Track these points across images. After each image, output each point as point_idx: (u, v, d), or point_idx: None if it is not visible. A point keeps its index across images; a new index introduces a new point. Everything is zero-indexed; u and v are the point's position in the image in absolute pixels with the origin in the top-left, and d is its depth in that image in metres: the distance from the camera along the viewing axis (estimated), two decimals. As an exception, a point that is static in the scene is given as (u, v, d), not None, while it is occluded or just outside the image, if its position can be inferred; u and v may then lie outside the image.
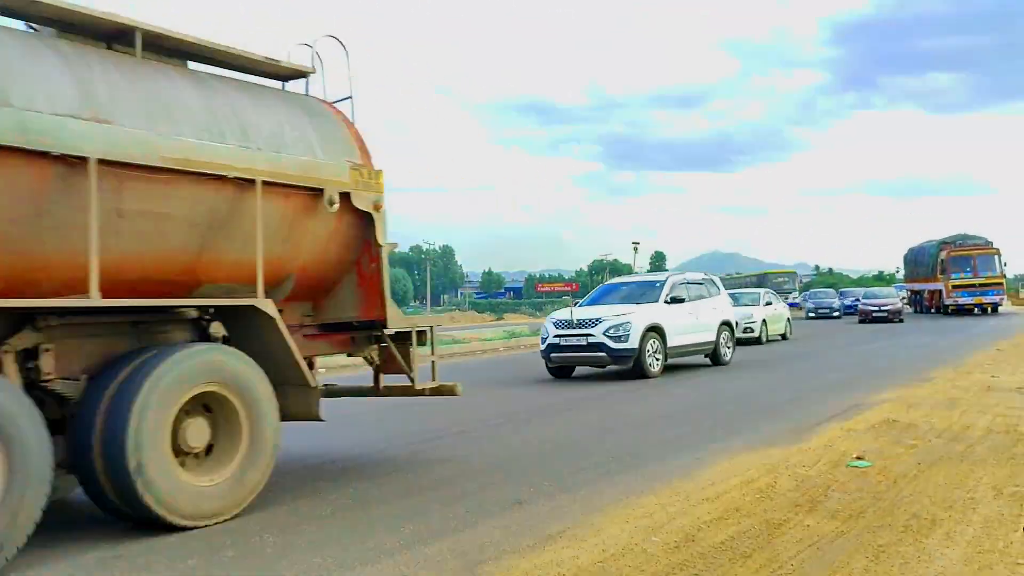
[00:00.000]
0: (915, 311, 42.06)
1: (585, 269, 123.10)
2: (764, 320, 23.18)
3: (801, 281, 71.71)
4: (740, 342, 18.77)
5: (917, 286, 42.87)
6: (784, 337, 24.57)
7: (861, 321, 32.13)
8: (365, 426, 9.64)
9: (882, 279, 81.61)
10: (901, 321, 31.17)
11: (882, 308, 31.97)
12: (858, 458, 6.68)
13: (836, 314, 39.83)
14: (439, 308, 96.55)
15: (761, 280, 55.06)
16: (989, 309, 36.50)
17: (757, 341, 22.57)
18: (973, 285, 36.12)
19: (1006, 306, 40.24)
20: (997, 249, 37.05)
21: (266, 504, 5.77)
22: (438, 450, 7.83)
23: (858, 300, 43.55)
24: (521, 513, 5.41)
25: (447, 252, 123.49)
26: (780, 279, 55.90)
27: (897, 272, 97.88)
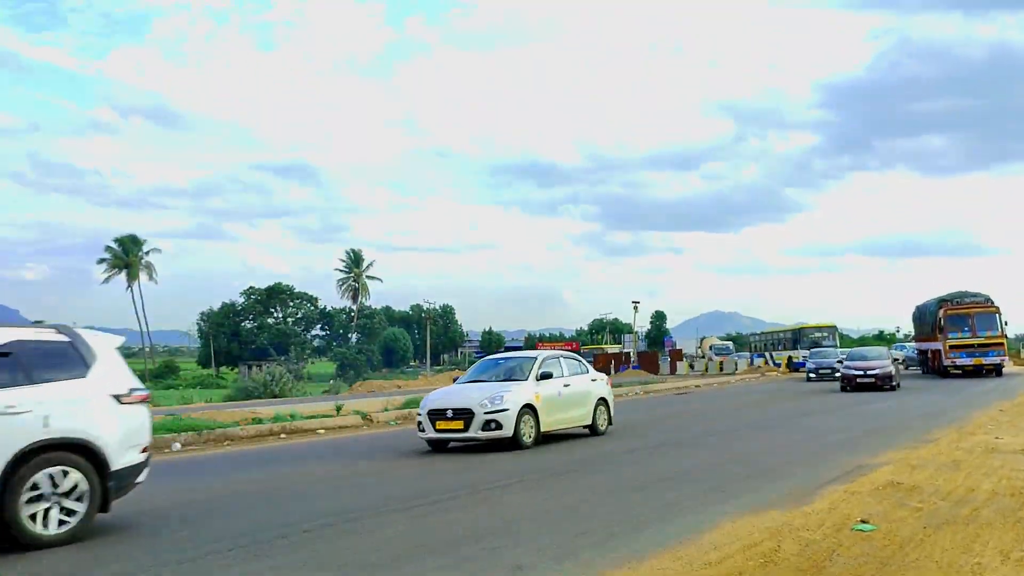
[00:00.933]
0: (923, 372, 39.26)
1: (585, 328, 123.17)
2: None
3: (882, 332, 66.12)
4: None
5: (923, 346, 40.02)
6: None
7: (843, 388, 26.76)
8: (366, 486, 9.55)
9: (883, 339, 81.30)
10: (893, 388, 25.87)
11: (868, 372, 26.27)
12: (863, 521, 6.61)
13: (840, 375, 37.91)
14: (439, 367, 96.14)
15: (797, 336, 50.72)
16: (990, 371, 33.68)
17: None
18: (972, 345, 33.71)
19: (1009, 367, 39.41)
20: (997, 307, 34.51)
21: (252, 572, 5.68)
22: (441, 512, 7.74)
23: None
24: (522, 578, 5.33)
25: (447, 311, 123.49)
26: (818, 334, 49.64)
27: (898, 331, 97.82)
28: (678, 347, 69.43)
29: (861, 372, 26.37)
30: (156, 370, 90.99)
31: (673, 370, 53.70)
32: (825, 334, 49.34)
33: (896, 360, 38.93)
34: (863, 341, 74.33)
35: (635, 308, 63.68)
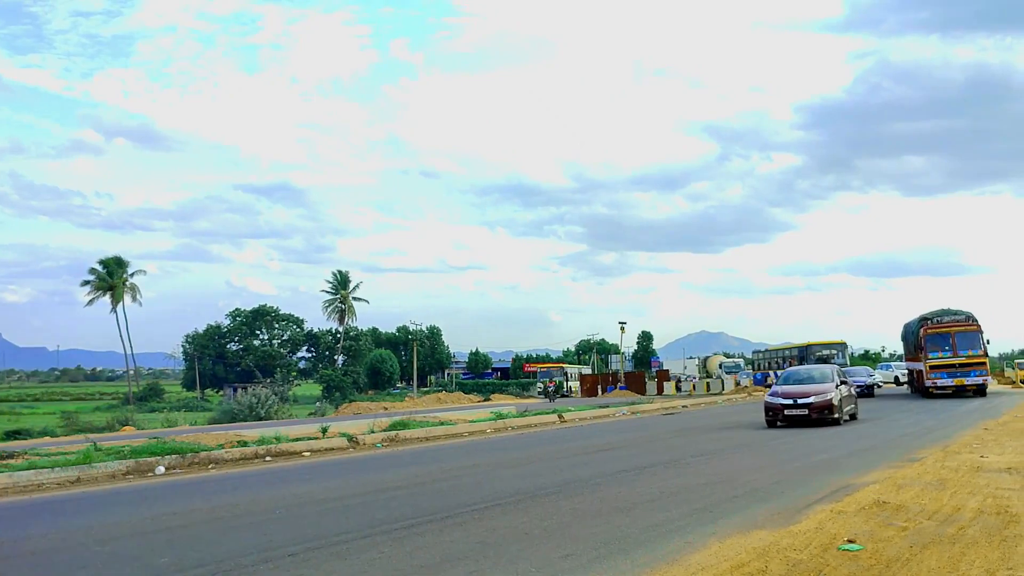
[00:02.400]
0: (911, 391, 38.47)
1: (572, 348, 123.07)
2: None
3: (858, 353, 62.53)
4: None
5: (910, 365, 38.79)
6: None
7: (769, 423, 20.19)
8: (351, 509, 9.47)
9: (868, 358, 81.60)
10: (835, 422, 19.70)
11: (799, 401, 19.69)
12: (849, 541, 6.60)
13: None
14: (426, 389, 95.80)
15: (804, 353, 48.31)
16: (973, 392, 32.89)
17: None
18: (953, 365, 32.53)
19: (992, 386, 39.36)
20: (979, 325, 33.21)
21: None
22: (424, 535, 7.67)
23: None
24: (508, 601, 5.29)
25: (434, 333, 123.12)
26: (827, 351, 47.39)
27: (883, 350, 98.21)
28: (665, 367, 69.45)
29: (790, 401, 19.73)
30: (140, 392, 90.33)
31: (660, 391, 53.69)
32: (834, 351, 47.39)
33: (864, 382, 36.61)
34: (851, 361, 72.39)
35: (622, 328, 63.61)
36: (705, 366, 72.65)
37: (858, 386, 36.76)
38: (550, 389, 54.05)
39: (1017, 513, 7.66)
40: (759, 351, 64.45)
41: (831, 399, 19.69)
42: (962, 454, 12.70)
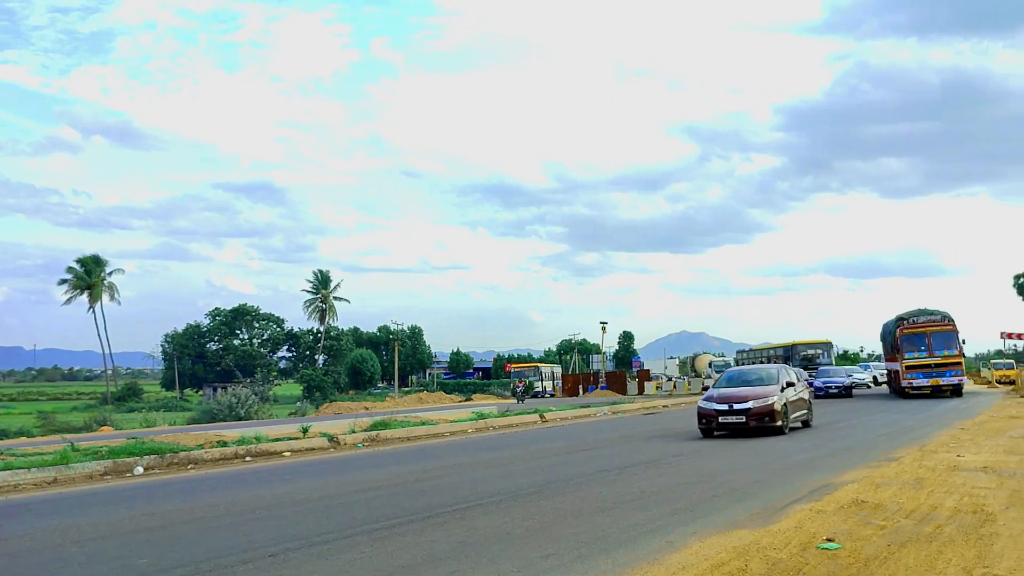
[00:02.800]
0: (891, 392, 38.30)
1: (554, 348, 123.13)
2: None
3: (837, 353, 59.61)
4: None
5: (889, 365, 38.35)
6: None
7: (704, 432, 17.64)
8: (331, 509, 9.43)
9: (847, 358, 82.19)
10: (780, 431, 17.16)
11: (735, 407, 17.04)
12: (828, 540, 6.65)
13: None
14: (407, 389, 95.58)
15: (789, 352, 47.86)
16: (949, 392, 32.64)
17: None
18: (928, 365, 32.28)
19: (969, 386, 39.66)
20: (954, 324, 33.04)
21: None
22: (405, 535, 7.66)
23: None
24: (489, 601, 5.29)
25: (415, 332, 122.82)
26: (812, 351, 46.99)
27: (862, 351, 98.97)
28: (646, 367, 69.68)
29: (725, 407, 17.07)
30: (118, 392, 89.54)
31: (641, 390, 53.88)
32: (820, 350, 47.13)
33: (842, 382, 36.91)
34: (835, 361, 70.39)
35: (603, 329, 63.72)
36: (693, 365, 72.05)
37: (836, 387, 37.03)
38: (518, 390, 52.53)
39: (993, 512, 7.75)
40: (743, 351, 63.83)
41: (772, 404, 16.96)
42: (939, 453, 12.83)
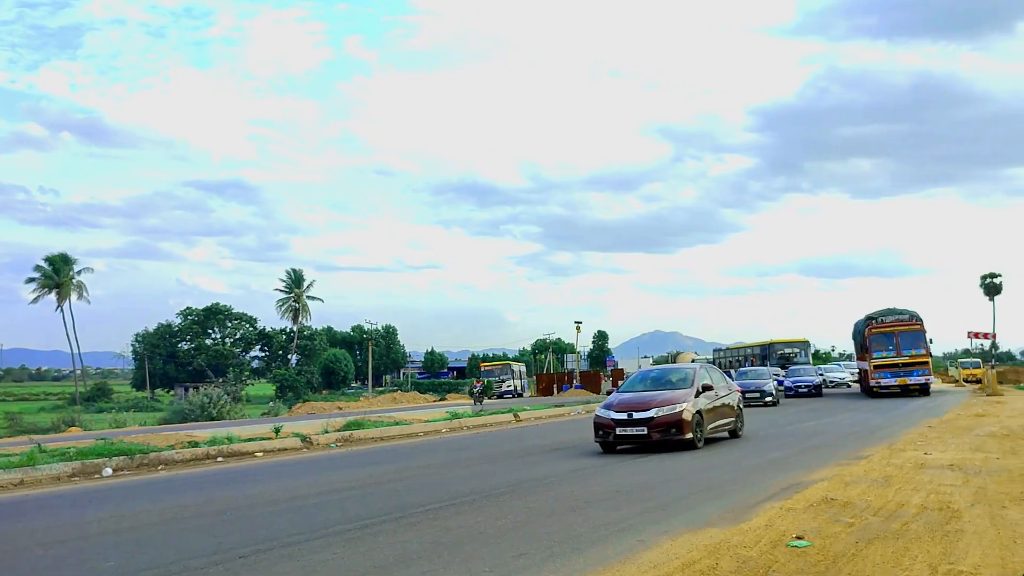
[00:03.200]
0: (861, 391, 38.22)
1: (528, 348, 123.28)
2: None
3: (818, 351, 60.79)
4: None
5: (860, 364, 38.17)
6: None
7: (604, 447, 14.89)
8: (304, 510, 9.38)
9: (819, 358, 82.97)
10: (692, 445, 14.39)
11: (635, 416, 14.38)
12: (798, 538, 6.72)
13: (770, 399, 29.94)
14: (381, 388, 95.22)
15: (766, 351, 47.77)
16: (916, 392, 32.82)
17: None
18: (896, 365, 32.47)
19: (936, 384, 40.16)
20: (922, 324, 33.21)
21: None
22: (378, 535, 7.63)
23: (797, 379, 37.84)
24: (461, 601, 5.29)
25: (389, 332, 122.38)
26: (789, 350, 46.92)
27: (833, 350, 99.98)
28: (620, 366, 69.94)
29: (624, 416, 14.37)
30: (87, 393, 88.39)
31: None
32: (797, 349, 47.05)
33: (812, 381, 36.60)
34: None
35: (577, 328, 63.93)
36: (675, 363, 71.95)
37: (805, 386, 36.68)
38: (475, 391, 49.28)
39: (958, 509, 7.86)
40: (719, 350, 63.26)
41: (680, 413, 14.16)
42: (907, 451, 13.00)
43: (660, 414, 14.23)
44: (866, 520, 7.44)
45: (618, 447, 14.76)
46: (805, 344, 48.30)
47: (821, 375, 41.18)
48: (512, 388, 62.48)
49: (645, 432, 14.19)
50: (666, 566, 5.95)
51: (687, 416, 14.28)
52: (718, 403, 15.76)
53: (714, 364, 58.65)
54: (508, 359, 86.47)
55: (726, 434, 16.43)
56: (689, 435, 14.25)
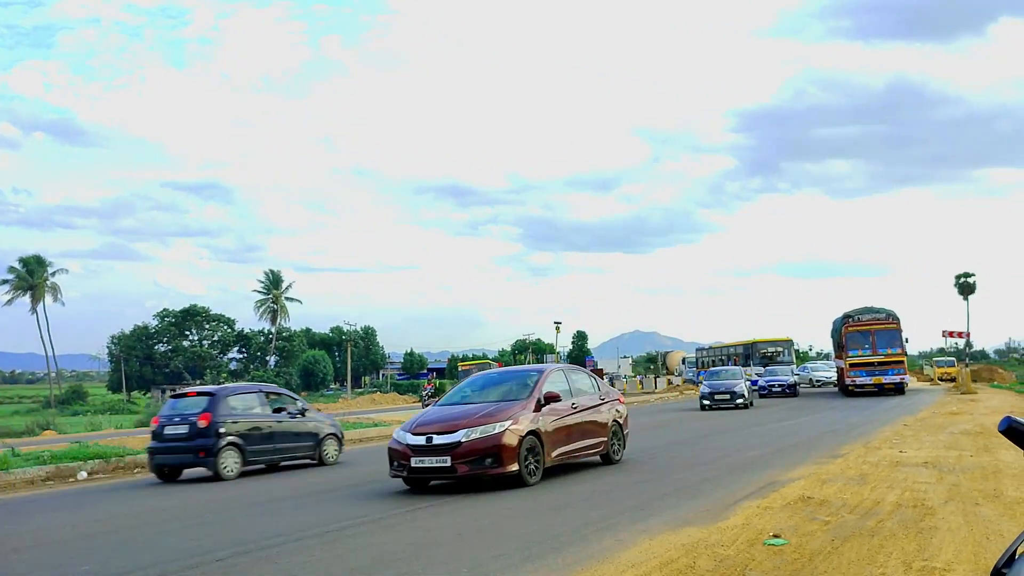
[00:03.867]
0: (839, 389, 37.47)
1: (508, 349, 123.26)
2: None
3: (797, 351, 58.01)
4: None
5: (838, 363, 37.18)
6: None
7: (414, 484, 10.88)
8: (281, 512, 9.33)
9: (798, 357, 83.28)
10: (520, 480, 10.37)
11: (438, 441, 10.26)
12: (775, 536, 6.76)
13: (742, 401, 27.73)
14: (360, 390, 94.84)
15: (749, 350, 47.33)
16: (892, 391, 32.35)
17: None
18: (872, 363, 32.14)
19: (912, 383, 40.35)
20: (898, 323, 32.89)
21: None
22: (356, 537, 7.61)
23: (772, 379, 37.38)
24: (440, 602, 5.28)
25: (368, 333, 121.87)
26: (772, 349, 46.33)
27: (811, 349, 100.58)
28: (599, 366, 70.06)
29: (421, 440, 10.38)
30: (62, 395, 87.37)
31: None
32: (780, 349, 46.54)
33: (786, 381, 36.00)
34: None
35: (557, 328, 64.06)
36: (664, 362, 70.83)
37: (779, 385, 35.99)
38: (425, 394, 46.15)
39: (933, 506, 7.95)
40: (703, 349, 62.24)
41: (501, 436, 10.14)
42: (883, 449, 13.13)
43: (471, 438, 10.06)
44: (842, 518, 7.51)
45: (432, 482, 10.69)
46: (788, 343, 47.90)
47: (797, 374, 40.86)
48: None
49: (448, 464, 10.01)
50: (644, 565, 5.97)
51: (510, 440, 10.14)
52: (575, 419, 11.58)
53: (696, 364, 58.20)
54: (488, 359, 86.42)
55: (597, 459, 12.47)
56: (513, 467, 10.10)
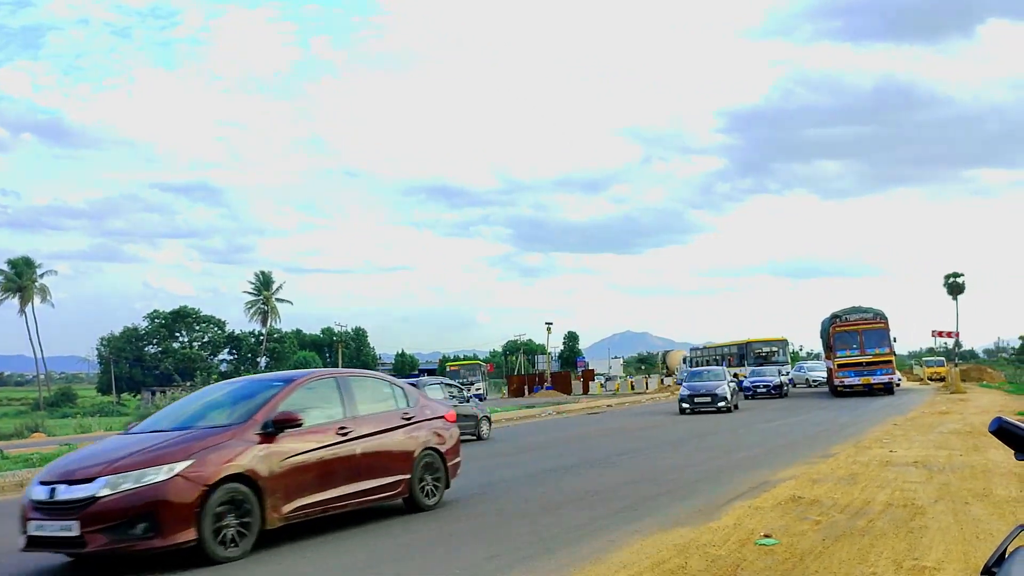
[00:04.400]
0: (829, 390, 36.58)
1: (499, 349, 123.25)
2: None
3: (792, 350, 57.49)
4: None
5: (827, 363, 36.86)
6: None
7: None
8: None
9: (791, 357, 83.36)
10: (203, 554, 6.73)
11: (65, 495, 6.60)
12: (766, 536, 6.79)
13: (723, 404, 25.69)
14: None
15: (744, 350, 46.86)
16: (881, 391, 31.96)
17: None
18: (860, 363, 31.77)
19: (904, 383, 40.32)
20: (886, 322, 32.49)
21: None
22: (349, 539, 7.59)
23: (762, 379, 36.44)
24: (432, 604, 5.28)
25: (359, 334, 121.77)
26: (767, 349, 45.83)
27: (801, 349, 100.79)
28: (591, 367, 70.11)
29: (46, 493, 6.77)
30: (51, 398, 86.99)
31: (586, 390, 54.24)
32: (775, 348, 46.08)
33: (773, 381, 34.75)
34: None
35: (548, 329, 63.98)
36: (665, 361, 70.07)
37: (765, 386, 35.26)
38: None
39: (922, 505, 8.00)
40: (697, 348, 61.59)
41: (165, 488, 6.54)
42: (873, 449, 13.19)
43: (115, 491, 6.54)
44: (833, 518, 7.54)
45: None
46: (783, 343, 47.44)
47: (789, 374, 40.62)
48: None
49: (75, 534, 6.44)
50: (636, 566, 5.99)
51: (180, 493, 6.59)
52: (343, 450, 8.07)
53: (690, 364, 57.47)
54: (478, 360, 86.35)
55: (401, 503, 9.06)
56: (185, 536, 6.56)
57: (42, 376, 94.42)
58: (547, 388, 58.42)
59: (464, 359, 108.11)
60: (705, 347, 59.52)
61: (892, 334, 32.49)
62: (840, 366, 32.36)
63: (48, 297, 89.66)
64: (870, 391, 32.06)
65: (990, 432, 1.27)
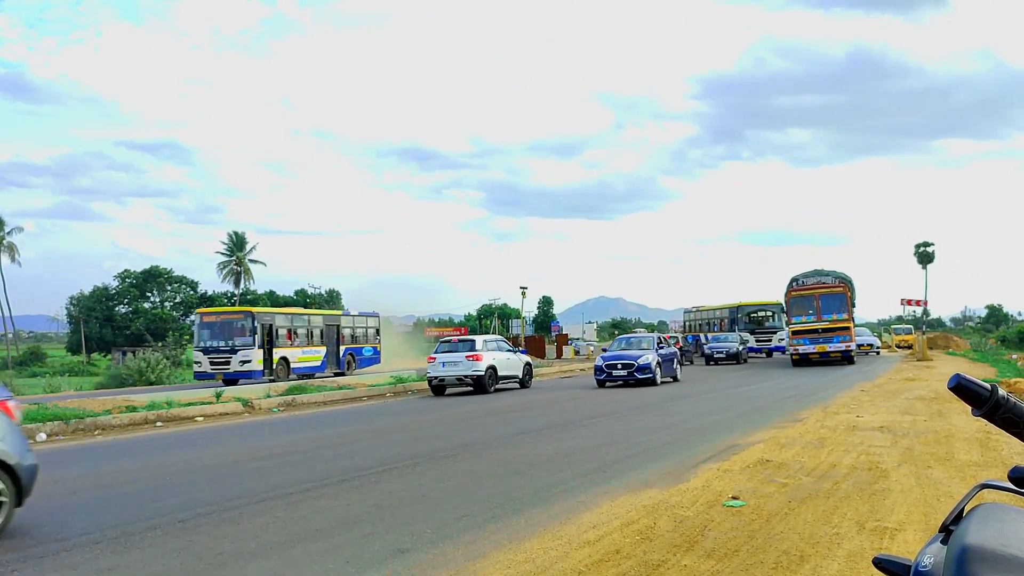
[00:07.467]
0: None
1: (474, 313, 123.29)
2: None
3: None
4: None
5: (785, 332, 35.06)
6: None
7: None
8: (245, 474, 9.30)
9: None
10: None
11: None
12: (733, 498, 6.89)
13: (644, 376, 22.60)
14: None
15: (735, 313, 45.22)
16: (839, 359, 29.88)
17: None
18: (816, 330, 29.84)
19: (884, 352, 39.94)
20: (846, 286, 30.48)
21: (134, 563, 5.46)
22: (320, 499, 7.62)
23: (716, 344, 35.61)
24: (403, 562, 5.33)
25: (333, 296, 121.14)
26: (761, 312, 44.37)
27: (773, 316, 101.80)
28: (564, 332, 70.36)
29: None
30: (20, 357, 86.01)
31: (560, 354, 54.48)
32: (769, 312, 44.48)
33: (733, 349, 33.98)
34: None
35: (523, 293, 63.97)
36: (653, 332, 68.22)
37: (721, 352, 35.12)
38: None
39: (886, 469, 8.15)
40: (690, 311, 58.49)
41: None
42: (840, 414, 13.40)
43: None
44: (799, 480, 7.67)
45: None
46: (778, 306, 43.92)
47: (745, 342, 39.57)
48: None
49: None
50: (606, 526, 6.06)
51: None
52: None
53: (685, 328, 55.51)
54: (454, 324, 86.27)
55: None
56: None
57: (10, 335, 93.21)
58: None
59: (439, 323, 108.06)
60: (697, 309, 56.73)
61: (855, 300, 31.05)
62: (795, 333, 30.61)
63: (16, 256, 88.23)
64: (826, 360, 29.94)
65: (949, 388, 1.28)
